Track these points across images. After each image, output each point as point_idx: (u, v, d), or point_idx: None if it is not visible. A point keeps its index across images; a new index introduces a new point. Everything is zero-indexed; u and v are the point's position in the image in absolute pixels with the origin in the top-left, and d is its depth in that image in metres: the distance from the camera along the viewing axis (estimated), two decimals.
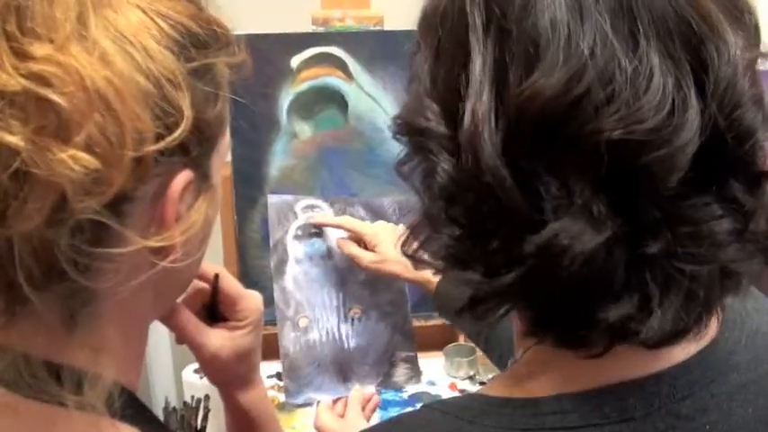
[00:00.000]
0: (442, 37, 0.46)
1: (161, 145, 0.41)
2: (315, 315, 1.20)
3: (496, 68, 0.43)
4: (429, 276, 1.06)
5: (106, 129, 0.39)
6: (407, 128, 0.48)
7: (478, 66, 0.43)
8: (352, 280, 1.21)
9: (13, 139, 0.37)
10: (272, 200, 1.22)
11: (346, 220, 1.20)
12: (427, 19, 0.48)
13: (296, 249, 1.21)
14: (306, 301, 1.20)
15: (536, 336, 0.49)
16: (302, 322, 1.20)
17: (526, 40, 0.42)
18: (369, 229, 1.16)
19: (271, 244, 1.20)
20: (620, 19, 0.42)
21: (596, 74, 0.41)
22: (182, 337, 0.68)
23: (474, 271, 0.46)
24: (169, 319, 0.66)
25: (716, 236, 0.43)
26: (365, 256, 1.14)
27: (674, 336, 0.46)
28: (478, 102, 0.43)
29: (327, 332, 1.21)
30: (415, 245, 0.50)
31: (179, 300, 0.66)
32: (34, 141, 0.37)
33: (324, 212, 1.24)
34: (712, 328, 0.51)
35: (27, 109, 0.37)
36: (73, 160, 0.37)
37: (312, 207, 1.24)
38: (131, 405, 0.48)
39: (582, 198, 0.42)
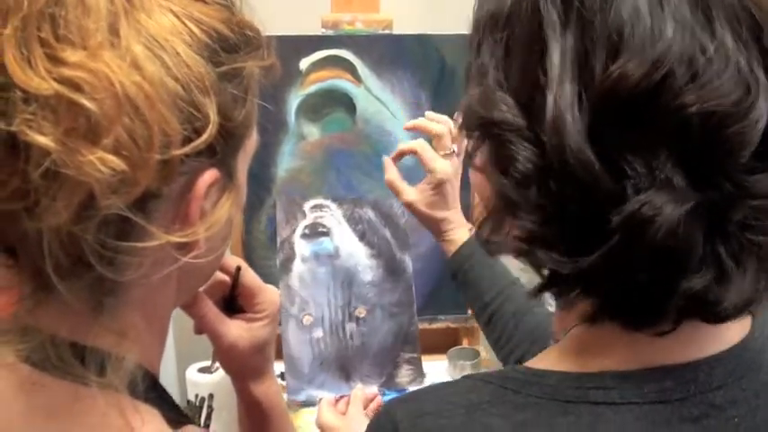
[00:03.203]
0: (513, 33, 0.49)
1: (187, 149, 0.43)
2: (319, 313, 1.20)
3: (577, 58, 0.46)
4: (455, 236, 1.02)
5: (134, 132, 0.40)
6: (481, 120, 0.50)
7: (557, 57, 0.46)
8: (359, 280, 1.21)
9: (44, 140, 0.38)
10: (282, 198, 1.22)
11: (424, 147, 1.08)
12: (493, 18, 0.51)
13: (303, 248, 1.21)
14: (311, 298, 1.20)
15: (599, 320, 0.51)
16: (306, 320, 1.20)
17: (609, 29, 0.45)
18: (437, 170, 1.05)
19: (278, 242, 1.20)
20: (696, 6, 0.46)
21: (680, 55, 0.44)
22: (202, 325, 0.70)
23: (557, 253, 0.48)
24: (190, 308, 0.68)
25: None
26: (406, 195, 1.05)
27: (747, 305, 0.48)
28: (560, 90, 0.46)
29: (332, 331, 1.21)
30: (489, 231, 0.53)
31: (200, 289, 0.68)
32: (64, 143, 0.39)
33: (332, 213, 1.25)
34: (745, 326, 0.54)
35: (58, 112, 0.39)
36: (101, 162, 0.39)
37: (321, 207, 1.24)
38: (154, 389, 0.49)
39: (664, 172, 0.45)
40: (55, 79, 0.39)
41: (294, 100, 1.43)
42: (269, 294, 0.74)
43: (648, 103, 0.45)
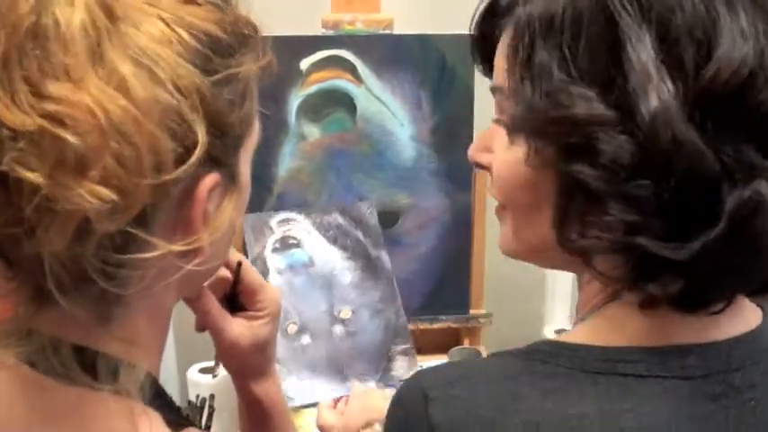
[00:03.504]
0: (579, 32, 0.50)
1: (179, 172, 0.42)
2: (303, 320, 1.20)
3: (664, 53, 0.48)
4: None
5: (123, 158, 0.39)
6: (558, 116, 0.50)
7: (644, 54, 0.48)
8: (339, 283, 1.21)
9: (33, 176, 0.38)
10: (247, 218, 1.21)
11: None
12: (545, 17, 0.52)
13: (276, 262, 1.21)
14: (292, 308, 1.20)
15: (658, 305, 0.52)
16: (291, 329, 1.20)
17: (690, 26, 0.48)
18: None
19: (249, 260, 1.19)
20: (757, 8, 0.50)
21: (760, 54, 0.48)
22: (204, 321, 0.70)
23: (662, 241, 0.49)
24: (194, 303, 0.68)
25: None
26: None
27: None
28: (661, 86, 0.48)
29: (318, 335, 1.21)
30: (575, 231, 0.53)
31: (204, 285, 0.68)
32: (52, 177, 0.38)
33: (300, 224, 1.24)
34: (758, 316, 0.57)
35: (43, 146, 0.38)
36: (90, 194, 0.39)
37: (288, 220, 1.24)
38: (155, 392, 0.49)
39: (757, 161, 0.48)
40: (39, 114, 0.38)
41: (294, 100, 1.43)
42: (270, 292, 0.74)
43: (736, 100, 0.48)
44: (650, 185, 0.48)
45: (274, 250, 1.22)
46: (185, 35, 0.43)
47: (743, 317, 0.56)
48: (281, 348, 1.18)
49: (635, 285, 0.52)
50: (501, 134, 0.57)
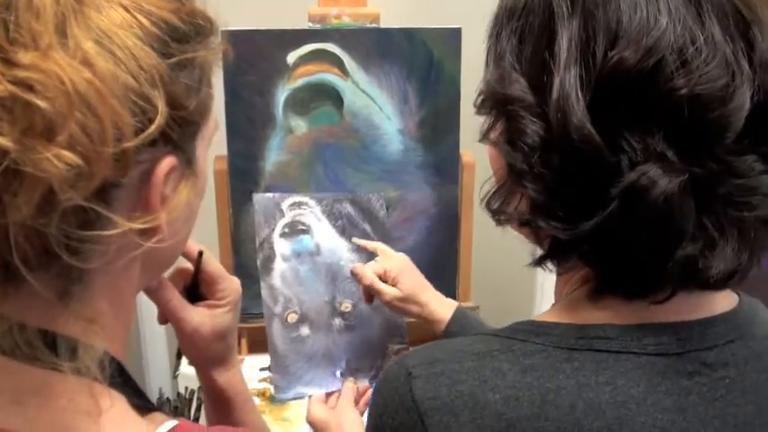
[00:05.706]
0: (527, 23, 0.56)
1: (137, 141, 0.44)
2: (304, 310, 1.20)
3: (582, 45, 0.52)
4: (441, 316, 1.09)
5: (87, 127, 0.42)
6: (497, 97, 0.56)
7: (564, 44, 0.52)
8: (342, 275, 1.21)
9: (3, 140, 0.40)
10: (258, 198, 1.22)
11: (380, 246, 1.19)
12: (510, 10, 0.58)
13: (283, 247, 1.21)
14: (295, 297, 1.20)
15: (601, 294, 0.56)
16: (291, 318, 1.20)
17: (609, 20, 0.51)
18: (394, 261, 1.15)
19: (257, 242, 1.20)
20: (689, 3, 0.52)
21: (672, 44, 0.50)
22: (165, 311, 0.72)
23: (556, 221, 0.53)
24: (155, 294, 0.70)
25: (764, 188, 0.52)
26: (388, 292, 1.11)
27: (731, 275, 0.53)
28: (566, 73, 0.51)
29: (318, 327, 1.21)
30: (499, 202, 0.59)
31: (164, 276, 0.70)
32: (22, 142, 0.40)
33: (311, 210, 1.25)
34: (732, 299, 0.60)
35: (15, 112, 0.40)
36: (57, 158, 0.40)
37: (299, 204, 1.24)
38: (120, 375, 0.51)
39: (658, 148, 0.50)
40: (9, 81, 0.40)
41: (281, 94, 1.43)
42: (231, 282, 0.76)
43: (643, 86, 0.50)
44: (551, 165, 0.52)
45: (282, 234, 1.22)
46: (145, 21, 0.46)
47: (718, 300, 0.58)
48: (279, 339, 1.19)
49: (541, 264, 0.57)
50: None
